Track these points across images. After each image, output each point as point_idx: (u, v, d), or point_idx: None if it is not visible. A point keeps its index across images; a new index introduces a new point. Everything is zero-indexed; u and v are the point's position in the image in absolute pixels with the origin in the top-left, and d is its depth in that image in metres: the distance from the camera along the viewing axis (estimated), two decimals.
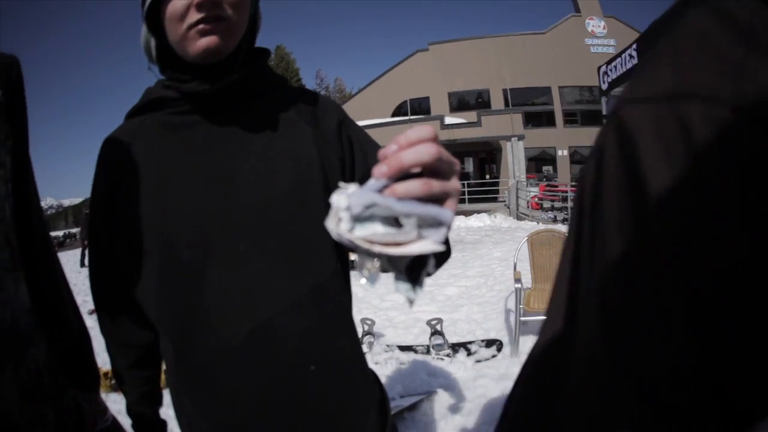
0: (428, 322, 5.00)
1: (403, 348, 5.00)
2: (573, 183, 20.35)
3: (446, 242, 0.99)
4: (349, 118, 1.18)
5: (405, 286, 0.56)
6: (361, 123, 26.26)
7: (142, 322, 1.14)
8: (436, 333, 4.88)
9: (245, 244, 0.98)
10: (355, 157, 1.12)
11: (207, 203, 0.99)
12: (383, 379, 4.16)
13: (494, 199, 23.20)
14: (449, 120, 26.11)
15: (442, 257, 1.03)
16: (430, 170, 0.55)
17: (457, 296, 7.13)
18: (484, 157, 31.35)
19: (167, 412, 1.19)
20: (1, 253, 1.05)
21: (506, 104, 29.35)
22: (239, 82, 1.04)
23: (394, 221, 0.53)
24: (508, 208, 19.59)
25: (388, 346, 5.06)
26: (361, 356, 1.15)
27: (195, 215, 0.99)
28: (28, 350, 1.09)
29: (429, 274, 0.58)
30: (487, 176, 30.26)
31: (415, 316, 5.86)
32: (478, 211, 18.89)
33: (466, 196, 22.50)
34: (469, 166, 31.36)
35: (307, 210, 1.01)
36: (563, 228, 12.04)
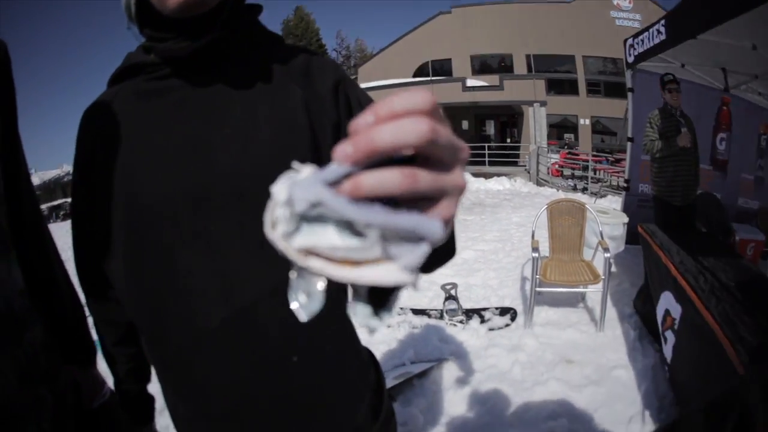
0: (443, 287, 4.98)
1: (417, 311, 4.99)
2: (594, 153, 20.13)
3: (447, 248, 0.89)
4: (350, 79, 1.03)
5: (364, 311, 0.40)
6: (381, 83, 26.24)
7: None
8: (450, 298, 4.85)
9: (219, 223, 0.89)
10: None
11: (178, 177, 0.89)
12: (394, 344, 4.23)
13: (515, 163, 23.02)
14: (471, 83, 25.78)
15: (442, 255, 0.90)
16: (424, 155, 0.38)
17: (474, 260, 7.09)
18: (506, 121, 31.08)
19: (156, 386, 1.15)
20: None
21: (529, 70, 28.99)
22: (222, 41, 0.92)
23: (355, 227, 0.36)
24: (529, 173, 19.39)
25: (401, 308, 5.03)
26: (352, 345, 1.08)
27: (164, 191, 0.90)
28: (24, 333, 1.07)
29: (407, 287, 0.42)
30: (508, 140, 29.98)
31: (430, 279, 5.75)
32: (499, 174, 18.74)
33: (487, 159, 22.33)
34: (491, 129, 31.11)
35: None
36: (583, 197, 12.04)
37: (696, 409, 2.37)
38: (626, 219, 5.55)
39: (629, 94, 6.93)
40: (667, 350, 3.05)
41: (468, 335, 4.34)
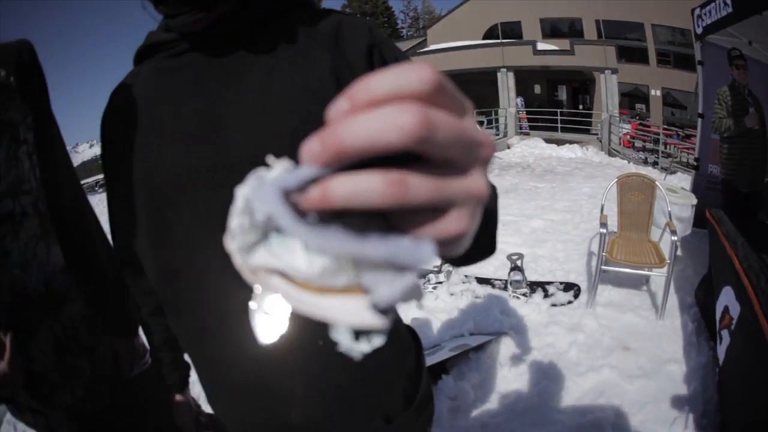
0: (509, 257, 4.96)
1: (481, 281, 5.03)
2: (665, 126, 19.31)
3: (483, 246, 0.83)
4: (386, 41, 0.92)
5: (345, 334, 0.31)
6: (451, 44, 25.68)
7: None
8: (515, 269, 4.85)
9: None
10: None
11: (193, 157, 0.86)
12: (455, 313, 4.36)
13: (587, 131, 22.30)
14: (541, 46, 24.99)
15: (477, 253, 0.84)
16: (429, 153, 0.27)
17: (543, 230, 7.06)
18: (578, 87, 29.98)
19: None
20: (30, 222, 1.11)
21: (599, 35, 27.84)
22: (239, 10, 0.86)
23: None
24: (600, 141, 18.78)
25: (466, 276, 5.08)
26: (391, 329, 0.98)
27: (180, 171, 0.87)
28: (62, 308, 1.16)
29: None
30: (581, 107, 29.00)
31: (497, 247, 5.78)
32: (571, 142, 18.28)
33: (559, 125, 21.78)
34: (563, 94, 30.15)
35: None
36: (653, 172, 11.64)
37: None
38: (695, 200, 5.29)
39: (699, 68, 6.57)
40: (721, 351, 2.88)
41: (530, 309, 4.37)
